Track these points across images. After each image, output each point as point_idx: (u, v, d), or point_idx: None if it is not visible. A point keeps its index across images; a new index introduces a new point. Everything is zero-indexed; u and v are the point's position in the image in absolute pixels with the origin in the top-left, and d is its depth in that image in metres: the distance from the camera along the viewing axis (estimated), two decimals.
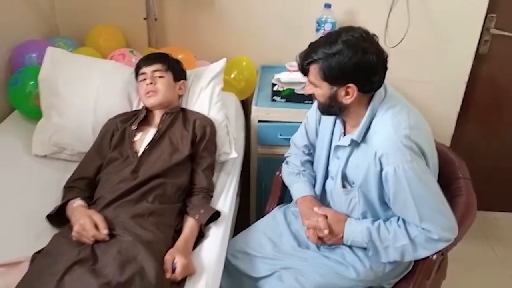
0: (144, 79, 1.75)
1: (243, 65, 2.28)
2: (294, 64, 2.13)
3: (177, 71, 1.83)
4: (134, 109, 1.86)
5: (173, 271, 1.32)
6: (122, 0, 2.33)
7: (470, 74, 2.40)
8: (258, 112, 2.04)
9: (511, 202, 2.83)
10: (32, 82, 1.86)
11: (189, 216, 1.53)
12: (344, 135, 1.50)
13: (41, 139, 1.79)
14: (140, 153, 1.61)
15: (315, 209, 1.54)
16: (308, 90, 1.43)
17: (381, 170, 1.35)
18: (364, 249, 1.50)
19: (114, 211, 1.43)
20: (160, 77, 1.75)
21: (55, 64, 1.86)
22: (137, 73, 1.80)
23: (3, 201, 1.57)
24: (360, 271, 1.48)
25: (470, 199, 1.55)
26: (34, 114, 1.88)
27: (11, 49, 2.03)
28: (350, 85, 1.32)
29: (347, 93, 1.34)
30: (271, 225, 1.70)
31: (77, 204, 1.48)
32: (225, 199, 1.70)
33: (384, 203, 1.44)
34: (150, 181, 1.53)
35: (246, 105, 2.33)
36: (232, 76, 2.26)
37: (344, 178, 1.50)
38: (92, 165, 1.64)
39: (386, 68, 1.33)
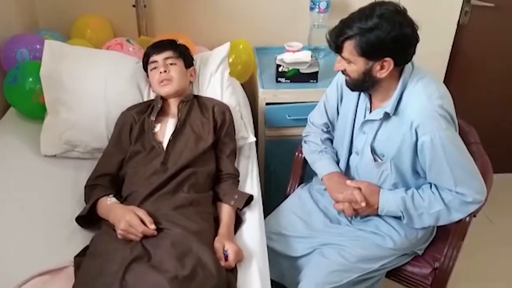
0: (155, 68, 1.70)
1: (240, 48, 2.24)
2: (293, 44, 2.17)
3: (188, 58, 1.78)
4: (145, 99, 1.80)
5: (226, 258, 1.31)
6: None
7: (452, 44, 2.51)
8: (265, 95, 2.03)
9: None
10: (32, 79, 1.75)
11: (224, 203, 1.52)
12: (370, 110, 1.53)
13: (50, 138, 1.69)
14: (165, 144, 1.57)
15: (348, 182, 1.56)
16: (339, 67, 1.44)
17: (416, 140, 1.39)
18: (397, 218, 1.55)
19: (153, 205, 1.39)
20: (172, 64, 1.70)
21: (56, 57, 1.75)
22: (146, 61, 1.73)
23: (23, 206, 1.49)
24: (396, 239, 1.53)
25: (485, 163, 1.63)
26: (36, 111, 1.78)
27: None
28: (386, 59, 1.34)
29: (382, 67, 1.36)
30: (299, 205, 1.71)
31: (111, 201, 1.42)
32: (252, 183, 1.69)
33: (416, 173, 1.49)
34: (181, 172, 1.50)
35: (244, 89, 2.31)
36: (231, 60, 2.22)
37: (373, 151, 1.53)
38: (113, 160, 1.57)
39: (418, 40, 1.37)
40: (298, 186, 1.84)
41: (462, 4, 2.46)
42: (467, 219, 1.48)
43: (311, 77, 2.08)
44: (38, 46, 1.90)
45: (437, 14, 2.42)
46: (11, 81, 1.74)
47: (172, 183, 1.47)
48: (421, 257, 1.60)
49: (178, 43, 1.77)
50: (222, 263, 1.29)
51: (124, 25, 2.29)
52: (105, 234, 1.35)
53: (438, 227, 1.64)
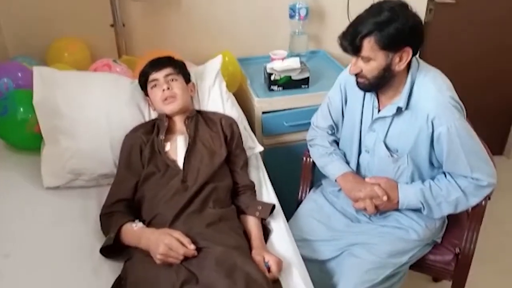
0: (156, 86, 1.65)
1: (225, 60, 2.22)
2: (278, 52, 2.20)
3: (186, 73, 1.75)
4: (147, 119, 1.74)
5: (268, 270, 1.29)
6: (81, 9, 2.14)
7: None
8: (261, 104, 2.03)
9: None
10: (23, 108, 1.64)
11: (249, 215, 1.49)
12: (379, 109, 1.57)
13: (52, 169, 1.59)
14: (180, 162, 1.52)
15: (367, 179, 1.58)
16: (356, 69, 1.46)
17: (432, 131, 1.45)
18: (415, 210, 1.59)
19: (185, 225, 1.34)
20: (173, 80, 1.66)
21: (48, 84, 1.66)
22: (145, 80, 1.68)
23: (38, 243, 1.40)
24: (419, 231, 1.57)
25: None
26: (30, 142, 1.67)
27: None
28: (405, 48, 1.38)
29: (400, 59, 1.40)
30: (316, 209, 1.72)
31: (137, 226, 1.36)
32: (268, 192, 1.68)
33: (431, 164, 1.54)
34: (203, 188, 1.46)
35: None
36: None
37: (386, 147, 1.57)
38: (128, 185, 1.51)
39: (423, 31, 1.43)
40: (309, 190, 1.84)
41: (427, 2, 2.59)
42: (483, 202, 1.55)
43: (303, 83, 2.11)
44: (19, 74, 1.80)
45: None
46: (1, 113, 1.62)
47: (196, 201, 1.42)
48: (440, 245, 1.65)
49: (175, 59, 1.73)
50: (266, 275, 1.27)
51: (102, 46, 2.21)
52: (140, 261, 1.28)
53: (449, 215, 1.70)
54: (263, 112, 2.04)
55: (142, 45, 2.27)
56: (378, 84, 1.48)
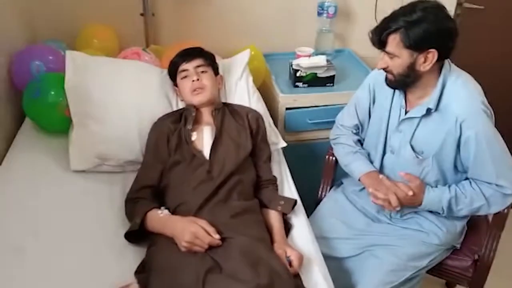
0: (186, 76, 1.67)
1: (251, 54, 2.24)
2: (304, 49, 2.21)
3: (215, 65, 1.76)
4: (174, 108, 1.76)
5: (289, 264, 1.30)
6: None
7: None
8: (285, 100, 2.04)
9: None
10: (54, 92, 1.67)
11: (271, 209, 1.51)
12: (406, 109, 1.57)
13: (80, 152, 1.62)
14: (206, 153, 1.54)
15: (401, 173, 1.55)
16: (382, 64, 1.47)
17: (460, 135, 1.44)
18: (435, 213, 1.58)
19: (210, 214, 1.36)
20: (203, 72, 1.68)
21: (79, 69, 1.69)
22: (175, 70, 1.70)
23: (63, 225, 1.43)
24: (440, 235, 1.57)
25: None
26: (60, 126, 1.70)
27: (8, 59, 1.80)
28: (431, 50, 1.39)
29: (425, 60, 1.41)
30: (336, 208, 1.73)
31: (163, 213, 1.38)
32: (289, 187, 1.69)
33: (456, 168, 1.54)
34: (228, 180, 1.47)
35: None
36: None
37: (412, 149, 1.57)
38: (154, 172, 1.53)
39: (458, 34, 1.42)
40: (330, 189, 1.85)
41: (456, 7, 2.57)
42: (505, 210, 1.54)
43: (328, 81, 2.11)
44: (51, 57, 1.83)
45: None
46: (34, 95, 1.65)
47: (221, 191, 1.44)
48: (459, 250, 1.65)
49: (206, 50, 1.75)
50: (288, 269, 1.28)
51: (130, 34, 2.23)
52: (164, 248, 1.30)
53: (468, 221, 1.69)
54: (287, 108, 2.05)
55: (169, 36, 2.28)
56: (404, 82, 1.48)
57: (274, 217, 1.49)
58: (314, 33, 2.39)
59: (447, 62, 1.49)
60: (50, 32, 2.15)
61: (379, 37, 1.42)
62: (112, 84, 1.69)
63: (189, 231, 1.26)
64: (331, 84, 2.12)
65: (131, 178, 1.59)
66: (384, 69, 1.50)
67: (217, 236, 1.27)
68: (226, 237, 1.29)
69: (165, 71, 1.79)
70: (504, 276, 2.11)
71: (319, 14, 2.31)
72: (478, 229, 1.71)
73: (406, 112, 1.57)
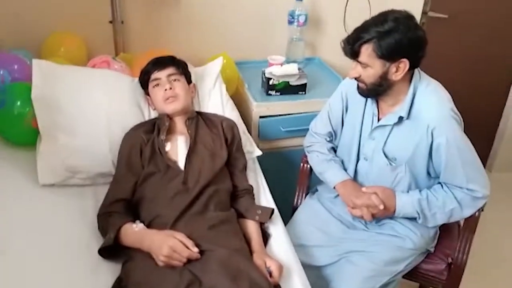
0: (158, 85, 1.64)
1: (224, 63, 2.22)
2: (276, 58, 2.21)
3: (188, 74, 1.74)
4: (146, 118, 1.72)
5: (270, 275, 1.29)
6: (80, 3, 2.11)
7: None
8: (259, 108, 2.03)
9: None
10: (20, 102, 1.60)
11: (248, 219, 1.50)
12: (378, 116, 1.59)
13: (49, 165, 1.55)
14: (181, 163, 1.51)
15: (364, 189, 1.60)
16: (354, 73, 1.49)
17: (432, 142, 1.48)
18: (410, 219, 1.61)
19: (186, 227, 1.33)
20: (176, 80, 1.65)
21: (47, 78, 1.63)
22: (147, 79, 1.66)
23: (34, 242, 1.36)
24: (415, 240, 1.60)
25: None
26: (26, 138, 1.64)
27: None
28: (403, 60, 1.41)
29: (397, 69, 1.43)
30: (312, 215, 1.73)
31: (139, 227, 1.34)
32: (265, 196, 1.68)
33: (428, 174, 1.57)
34: (204, 190, 1.45)
35: None
36: None
37: (385, 156, 1.59)
38: (127, 184, 1.49)
39: (427, 43, 1.45)
40: (305, 196, 1.85)
41: (421, 16, 2.65)
42: (477, 213, 1.58)
43: (300, 89, 2.12)
44: (16, 67, 1.77)
45: None
46: None
47: (197, 203, 1.42)
48: (433, 254, 1.68)
49: (178, 59, 1.72)
50: (269, 280, 1.27)
51: (99, 42, 2.18)
52: (141, 263, 1.26)
53: (441, 225, 1.73)
54: (261, 117, 2.04)
55: (139, 44, 2.24)
56: (376, 91, 1.50)
57: (251, 227, 1.47)
58: (285, 41, 2.41)
59: (417, 70, 1.52)
60: (14, 40, 2.07)
61: (352, 47, 1.44)
62: (82, 94, 1.64)
63: (167, 245, 1.22)
64: (303, 92, 2.13)
65: (103, 191, 1.54)
66: (356, 78, 1.51)
67: (195, 250, 1.24)
68: (204, 249, 1.27)
69: (136, 80, 1.75)
70: (477, 278, 2.18)
71: (290, 22, 2.33)
72: (450, 233, 1.75)
73: (378, 120, 1.59)
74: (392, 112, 1.54)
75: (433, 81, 1.55)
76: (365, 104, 1.63)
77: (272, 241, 1.49)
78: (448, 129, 1.46)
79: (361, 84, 1.52)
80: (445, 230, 1.74)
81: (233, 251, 1.27)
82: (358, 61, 1.46)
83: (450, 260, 1.66)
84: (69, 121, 1.60)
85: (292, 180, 2.04)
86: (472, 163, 1.51)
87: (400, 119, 1.52)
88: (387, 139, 1.57)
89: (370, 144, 1.63)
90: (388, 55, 1.40)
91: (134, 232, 1.33)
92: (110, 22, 2.14)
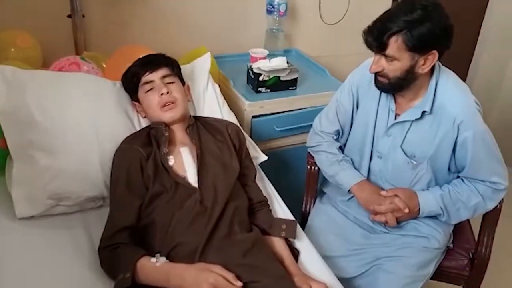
0: (151, 89, 1.40)
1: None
2: (258, 51, 2.04)
3: (181, 74, 1.52)
4: (137, 127, 1.48)
5: None
6: None
7: None
8: (251, 107, 1.85)
9: None
10: None
11: (274, 236, 1.33)
12: (395, 113, 1.49)
13: (28, 194, 1.27)
14: (191, 179, 1.30)
15: (383, 192, 1.50)
16: (378, 68, 1.36)
17: (457, 136, 1.40)
18: (431, 217, 1.54)
19: (219, 256, 1.13)
20: (170, 83, 1.43)
21: (13, 88, 1.33)
22: (136, 82, 1.42)
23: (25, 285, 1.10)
24: (439, 238, 1.52)
25: None
26: None
27: None
28: (433, 51, 1.30)
29: (425, 62, 1.32)
30: (329, 222, 1.60)
31: (161, 262, 1.12)
32: (280, 206, 1.52)
33: (449, 169, 1.50)
34: (225, 209, 1.26)
35: None
36: None
37: (404, 153, 1.49)
38: (131, 209, 1.25)
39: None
40: (315, 201, 1.72)
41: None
42: (498, 206, 1.54)
43: (291, 84, 1.97)
44: None
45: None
46: None
47: (221, 224, 1.22)
48: (452, 250, 1.62)
49: (169, 56, 1.50)
50: None
51: (56, 40, 1.87)
52: None
53: None
54: (253, 116, 1.87)
55: (104, 40, 1.96)
56: (399, 85, 1.39)
57: (279, 245, 1.31)
58: (261, 32, 2.24)
59: (437, 62, 1.43)
60: None
61: (378, 40, 1.30)
62: (60, 104, 1.36)
63: (207, 282, 1.02)
64: (294, 87, 1.98)
65: (92, 218, 1.34)
66: (377, 73, 1.39)
67: (239, 284, 1.06)
68: (247, 281, 1.08)
69: (119, 84, 1.50)
70: (499, 271, 2.16)
71: (269, 12, 2.16)
72: (463, 227, 1.70)
73: (396, 116, 1.49)
74: (413, 107, 1.44)
75: (451, 73, 1.47)
76: (379, 100, 1.51)
77: (302, 257, 1.34)
78: (475, 123, 1.39)
79: (382, 79, 1.39)
80: (456, 224, 1.68)
81: (278, 279, 1.11)
82: (383, 54, 1.33)
83: (471, 255, 1.61)
84: (47, 138, 1.31)
85: (291, 182, 1.91)
86: (495, 156, 1.46)
87: (423, 114, 1.42)
88: (405, 135, 1.47)
89: (385, 141, 1.52)
90: (419, 47, 1.29)
91: (155, 268, 1.11)
92: (69, 16, 1.84)
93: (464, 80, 1.46)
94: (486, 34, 3.02)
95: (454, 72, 1.47)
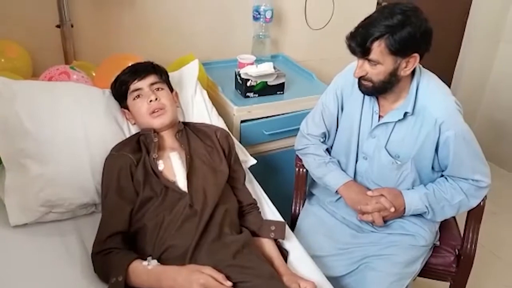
0: (139, 96, 1.43)
1: None
2: (246, 57, 2.08)
3: (169, 80, 1.55)
4: (127, 135, 1.50)
5: None
6: (19, 5, 1.80)
7: None
8: (240, 112, 1.88)
9: None
10: None
11: (264, 237, 1.36)
12: (379, 115, 1.53)
13: (21, 202, 1.29)
14: (181, 183, 1.33)
15: (369, 192, 1.54)
16: (361, 72, 1.40)
17: (439, 136, 1.44)
18: (417, 215, 1.57)
19: (210, 258, 1.16)
20: (159, 89, 1.46)
21: (4, 97, 1.36)
22: (125, 90, 1.45)
23: None
24: (425, 236, 1.56)
25: None
26: None
27: None
28: (414, 54, 1.35)
29: (407, 65, 1.37)
30: (317, 223, 1.63)
31: (152, 265, 1.15)
32: (269, 208, 1.56)
33: (432, 169, 1.54)
34: (215, 212, 1.29)
35: None
36: None
37: (388, 154, 1.53)
38: (123, 214, 1.27)
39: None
40: (303, 202, 1.75)
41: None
42: (481, 203, 1.58)
43: (278, 89, 2.01)
44: None
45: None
46: None
47: (211, 227, 1.25)
48: (439, 248, 1.66)
49: (156, 64, 1.52)
50: None
51: (45, 50, 1.89)
52: None
53: None
54: (242, 121, 1.90)
55: (93, 49, 1.98)
56: (382, 88, 1.43)
57: (269, 246, 1.34)
58: (248, 38, 2.27)
59: (417, 65, 1.48)
60: None
61: (361, 45, 1.34)
62: (50, 113, 1.38)
63: (198, 283, 1.05)
64: (281, 92, 2.02)
65: (85, 224, 1.37)
66: (361, 78, 1.43)
67: (229, 284, 1.08)
68: (236, 282, 1.11)
69: (108, 92, 1.53)
70: (485, 266, 2.20)
71: (256, 19, 2.20)
72: (448, 223, 1.74)
73: (379, 118, 1.53)
74: (395, 109, 1.49)
75: (432, 74, 1.51)
76: (363, 102, 1.56)
77: (291, 257, 1.37)
78: (456, 123, 1.43)
79: (366, 83, 1.43)
80: (443, 221, 1.72)
81: (268, 280, 1.13)
82: (367, 59, 1.37)
83: (457, 251, 1.65)
84: (39, 147, 1.34)
85: (280, 184, 1.94)
86: (477, 154, 1.50)
87: (405, 115, 1.46)
88: (389, 136, 1.51)
89: (370, 143, 1.56)
90: (401, 50, 1.33)
91: (147, 271, 1.13)
92: (58, 26, 1.86)
93: (450, 81, 1.51)
94: (470, 34, 3.08)
95: (440, 73, 1.52)
